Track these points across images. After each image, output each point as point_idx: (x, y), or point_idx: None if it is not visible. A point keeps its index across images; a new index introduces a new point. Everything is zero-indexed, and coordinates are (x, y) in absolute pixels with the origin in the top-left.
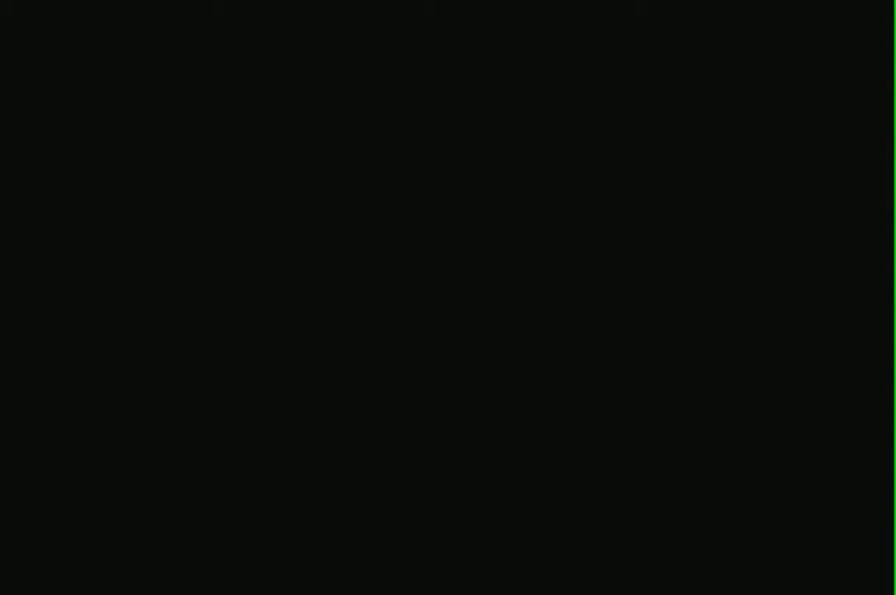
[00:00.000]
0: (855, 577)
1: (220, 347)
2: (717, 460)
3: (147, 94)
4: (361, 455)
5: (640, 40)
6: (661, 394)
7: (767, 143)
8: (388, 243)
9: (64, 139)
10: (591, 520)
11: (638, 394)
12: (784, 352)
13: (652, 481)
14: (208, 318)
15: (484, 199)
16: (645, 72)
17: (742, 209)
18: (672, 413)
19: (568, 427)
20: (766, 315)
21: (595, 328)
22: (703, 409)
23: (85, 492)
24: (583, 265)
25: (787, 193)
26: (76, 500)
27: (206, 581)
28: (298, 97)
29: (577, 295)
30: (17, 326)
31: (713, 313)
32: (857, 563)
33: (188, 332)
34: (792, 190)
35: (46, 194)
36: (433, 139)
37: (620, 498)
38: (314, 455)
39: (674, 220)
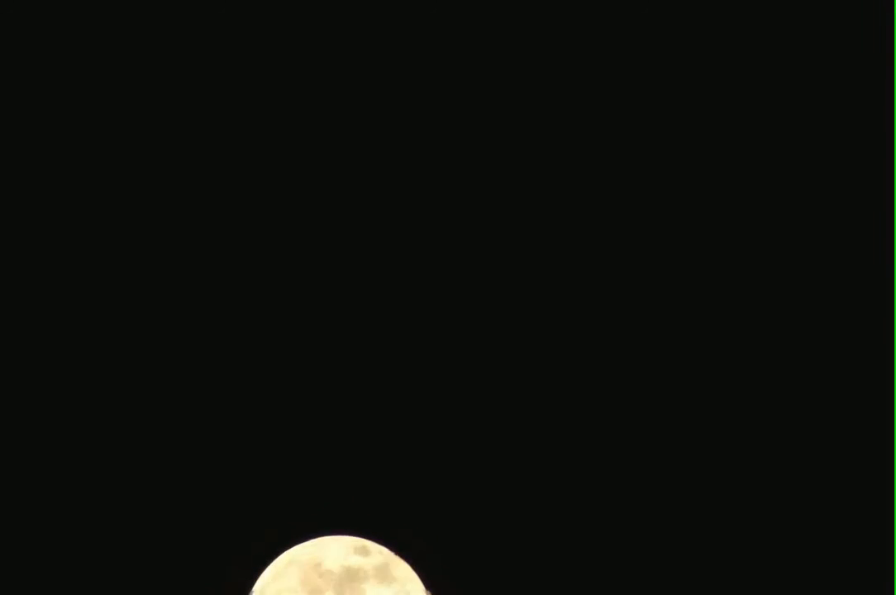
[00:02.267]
0: (855, 577)
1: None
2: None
3: (147, 93)
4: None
5: (639, 40)
6: (663, 395)
7: (767, 142)
8: (388, 243)
9: (64, 139)
10: (589, 521)
11: (638, 395)
12: (786, 354)
13: (652, 481)
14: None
15: (485, 199)
16: (645, 71)
17: (742, 209)
18: (673, 415)
19: (566, 429)
20: (768, 316)
21: (594, 328)
22: (705, 410)
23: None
24: (583, 265)
25: (788, 193)
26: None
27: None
28: (299, 97)
29: (578, 297)
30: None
31: (714, 314)
32: (857, 563)
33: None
34: (792, 190)
35: (47, 194)
36: (433, 138)
37: (621, 497)
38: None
39: (674, 219)
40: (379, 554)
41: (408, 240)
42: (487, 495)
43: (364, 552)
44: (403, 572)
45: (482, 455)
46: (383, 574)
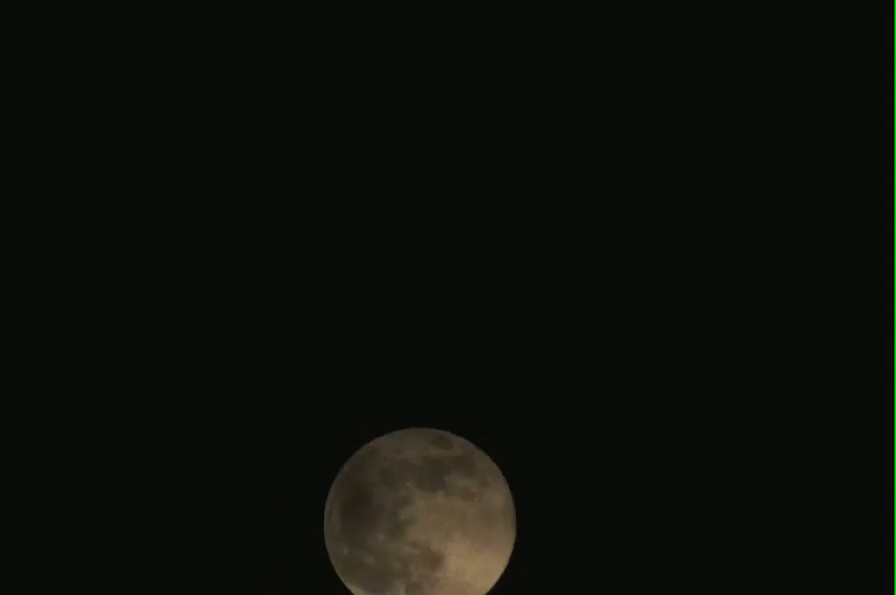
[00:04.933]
0: (855, 577)
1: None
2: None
3: (147, 93)
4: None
5: (640, 40)
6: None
7: (767, 142)
8: (388, 243)
9: (64, 138)
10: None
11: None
12: (786, 355)
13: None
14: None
15: (484, 199)
16: (645, 72)
17: (742, 209)
18: (674, 415)
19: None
20: (768, 317)
21: (595, 330)
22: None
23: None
24: (583, 265)
25: (788, 194)
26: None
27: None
28: (299, 97)
29: (577, 298)
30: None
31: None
32: (857, 563)
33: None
34: (792, 190)
35: (47, 194)
36: (433, 138)
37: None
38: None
39: (674, 219)
40: (460, 446)
41: (406, 240)
42: (565, 388)
43: (445, 444)
44: (484, 464)
45: (560, 348)
46: (464, 466)
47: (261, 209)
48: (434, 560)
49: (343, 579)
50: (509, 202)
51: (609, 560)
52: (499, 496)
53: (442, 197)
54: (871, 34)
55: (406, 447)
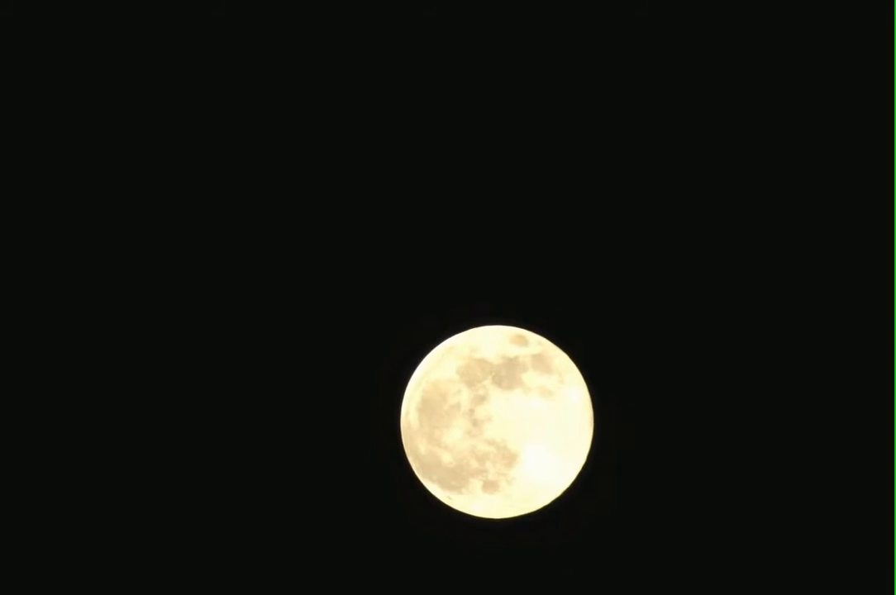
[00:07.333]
0: (855, 577)
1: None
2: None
3: (147, 93)
4: None
5: (640, 40)
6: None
7: (767, 142)
8: (388, 242)
9: (64, 138)
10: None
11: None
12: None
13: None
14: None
15: (483, 198)
16: (645, 71)
17: (742, 209)
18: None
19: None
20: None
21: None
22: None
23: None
24: (582, 265)
25: (788, 194)
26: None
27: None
28: (298, 96)
29: (576, 296)
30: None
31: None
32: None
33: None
34: (792, 190)
35: (46, 194)
36: (433, 138)
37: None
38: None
39: (674, 219)
40: (537, 344)
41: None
42: (641, 283)
43: (522, 342)
44: (561, 363)
45: (637, 244)
46: (541, 364)
47: (260, 197)
48: (510, 458)
49: (420, 477)
50: (507, 198)
51: (685, 456)
52: (576, 394)
53: (440, 195)
54: (870, 31)
55: (483, 345)
